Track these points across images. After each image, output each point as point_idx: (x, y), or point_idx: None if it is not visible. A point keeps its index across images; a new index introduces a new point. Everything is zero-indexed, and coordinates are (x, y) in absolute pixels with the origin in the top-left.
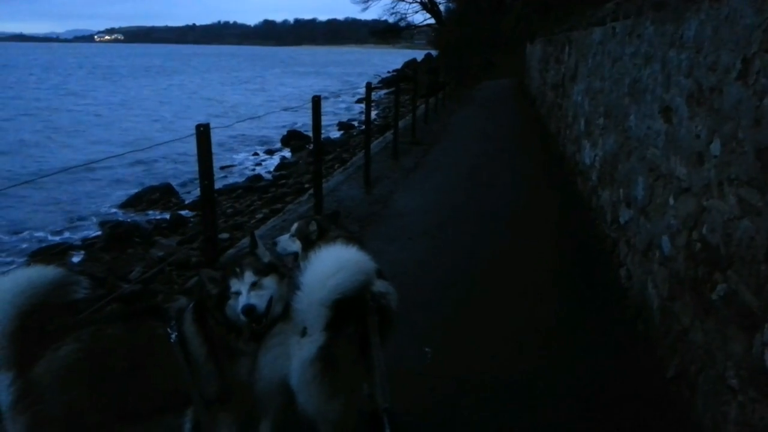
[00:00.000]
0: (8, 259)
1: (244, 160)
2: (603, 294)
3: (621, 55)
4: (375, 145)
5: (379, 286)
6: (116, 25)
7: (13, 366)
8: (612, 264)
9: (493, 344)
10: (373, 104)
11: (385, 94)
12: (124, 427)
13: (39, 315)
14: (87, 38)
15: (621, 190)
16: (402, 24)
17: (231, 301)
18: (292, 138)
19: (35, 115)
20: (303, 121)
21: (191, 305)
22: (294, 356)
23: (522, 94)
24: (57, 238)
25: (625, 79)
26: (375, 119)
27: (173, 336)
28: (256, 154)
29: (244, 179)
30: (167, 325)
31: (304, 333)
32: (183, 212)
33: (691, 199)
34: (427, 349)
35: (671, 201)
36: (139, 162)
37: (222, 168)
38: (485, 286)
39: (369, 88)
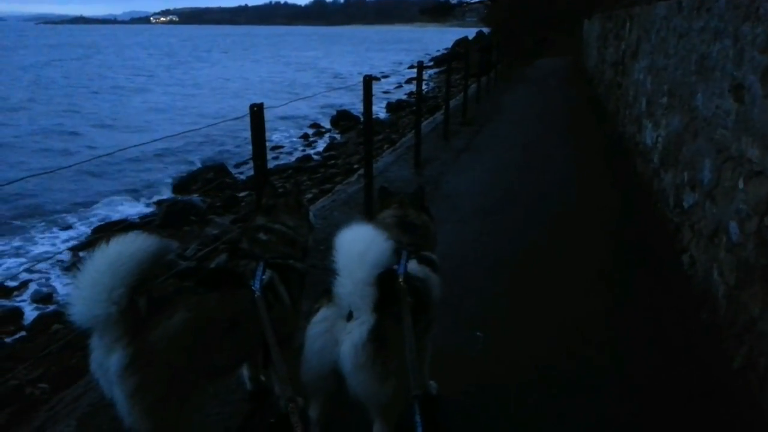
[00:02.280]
0: (72, 234)
1: (294, 141)
2: (663, 280)
3: (688, 30)
4: (425, 125)
5: (417, 270)
6: (171, 6)
7: (127, 330)
8: (674, 250)
9: (546, 330)
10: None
11: (435, 73)
12: (210, 382)
13: (146, 281)
14: (143, 20)
15: (685, 173)
16: (453, 1)
17: None
18: (342, 118)
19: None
20: (354, 100)
21: (263, 266)
22: (343, 341)
23: (578, 72)
24: (116, 215)
25: (691, 55)
26: (426, 97)
27: (258, 292)
28: (305, 136)
29: (294, 160)
30: (250, 288)
31: (350, 317)
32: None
33: (764, 183)
34: (478, 334)
35: (741, 184)
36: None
37: (272, 149)
38: (538, 270)
39: (420, 67)
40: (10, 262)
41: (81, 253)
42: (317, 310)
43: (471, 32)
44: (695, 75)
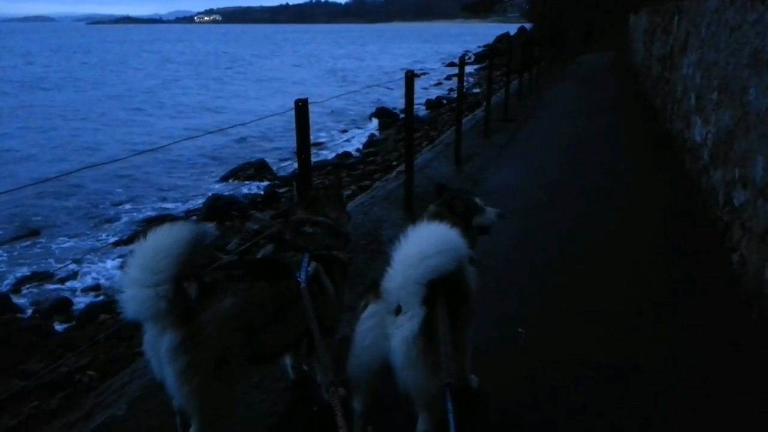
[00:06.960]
0: (117, 227)
1: (334, 137)
2: (712, 280)
3: (740, 23)
4: (465, 122)
5: None
6: (214, 6)
7: (179, 315)
8: (723, 248)
9: (592, 328)
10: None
11: (476, 69)
12: (255, 367)
13: (194, 267)
14: (188, 19)
15: (736, 170)
16: None
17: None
18: (381, 115)
19: None
20: (394, 96)
21: (308, 258)
22: (394, 335)
23: (623, 67)
24: (161, 207)
25: (744, 49)
26: (467, 93)
27: (303, 284)
28: (345, 131)
29: (333, 156)
30: (295, 279)
31: (398, 311)
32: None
33: None
34: (520, 330)
35: None
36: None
37: (312, 145)
38: (582, 268)
39: (462, 62)
40: (60, 253)
41: (126, 246)
42: (365, 306)
43: (513, 28)
44: (748, 69)
